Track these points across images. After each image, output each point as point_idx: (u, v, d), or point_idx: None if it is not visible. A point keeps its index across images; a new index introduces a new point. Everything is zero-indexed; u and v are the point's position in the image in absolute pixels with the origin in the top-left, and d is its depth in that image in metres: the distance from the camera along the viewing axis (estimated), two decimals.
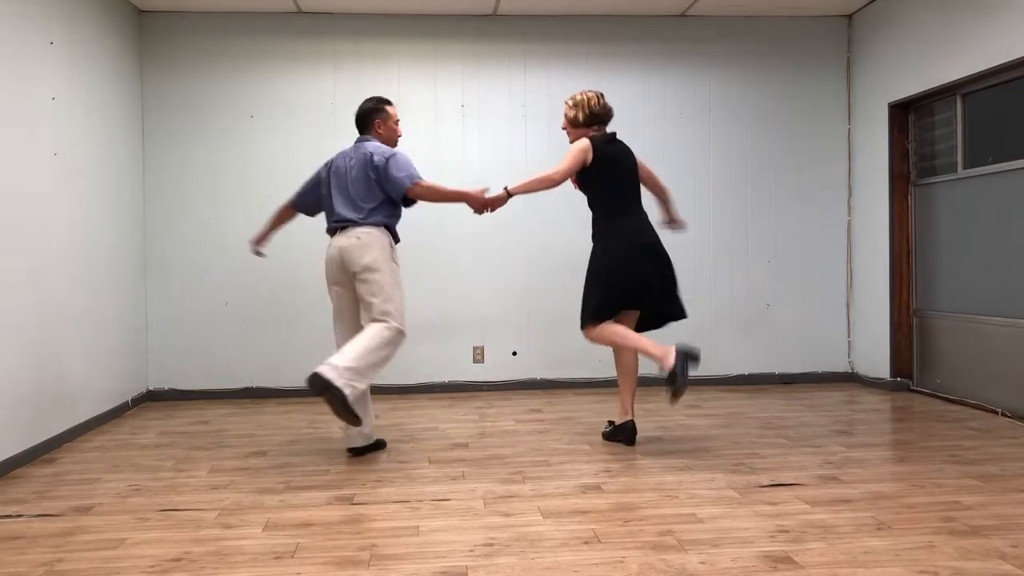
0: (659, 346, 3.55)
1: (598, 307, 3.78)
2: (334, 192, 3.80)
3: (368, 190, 3.74)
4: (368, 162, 3.74)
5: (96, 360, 4.46)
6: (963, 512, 2.80)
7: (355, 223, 3.72)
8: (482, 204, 3.81)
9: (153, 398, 5.26)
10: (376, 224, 3.72)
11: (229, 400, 5.25)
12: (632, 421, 3.89)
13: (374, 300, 3.61)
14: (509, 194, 3.81)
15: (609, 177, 3.86)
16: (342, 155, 3.87)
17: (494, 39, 5.44)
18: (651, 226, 3.89)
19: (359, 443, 3.78)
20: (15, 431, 3.61)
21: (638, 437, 3.97)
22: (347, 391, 3.33)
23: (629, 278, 3.75)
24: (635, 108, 5.49)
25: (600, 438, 4.01)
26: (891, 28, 5.15)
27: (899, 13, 5.07)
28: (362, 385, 3.45)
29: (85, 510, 2.98)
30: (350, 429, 3.74)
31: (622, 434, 3.91)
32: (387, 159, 3.73)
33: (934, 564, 2.35)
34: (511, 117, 5.46)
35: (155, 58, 5.24)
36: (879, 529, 2.65)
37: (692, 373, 3.64)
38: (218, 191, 5.30)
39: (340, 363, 3.38)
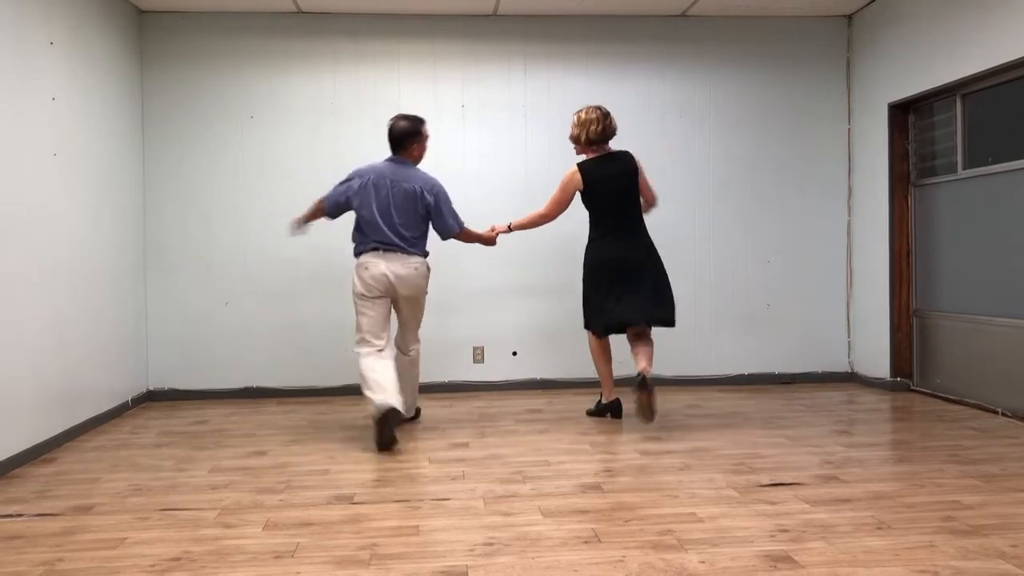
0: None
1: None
2: (376, 212, 4.04)
3: (415, 221, 4.12)
4: (418, 197, 4.07)
5: (96, 360, 4.46)
6: (963, 512, 2.80)
7: (406, 251, 4.07)
8: (493, 242, 4.53)
9: (153, 398, 5.26)
10: (424, 254, 4.17)
11: (229, 400, 5.25)
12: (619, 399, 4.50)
13: (413, 322, 4.29)
14: (511, 229, 4.49)
15: (599, 200, 4.31)
16: (379, 175, 4.11)
17: (494, 39, 5.44)
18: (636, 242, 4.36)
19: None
20: (15, 431, 3.61)
21: (638, 436, 4.00)
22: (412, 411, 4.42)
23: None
24: (635, 108, 5.49)
25: (600, 437, 4.01)
26: (891, 28, 5.15)
27: (899, 13, 5.07)
28: (414, 401, 4.41)
29: (85, 510, 2.98)
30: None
31: (610, 410, 4.48)
32: (436, 197, 4.13)
33: (934, 564, 2.35)
34: (511, 117, 5.46)
35: (155, 58, 5.24)
36: (879, 529, 2.65)
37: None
38: (218, 191, 5.30)
39: (402, 401, 4.00)
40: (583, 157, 4.40)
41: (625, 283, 4.21)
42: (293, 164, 5.33)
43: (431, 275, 4.31)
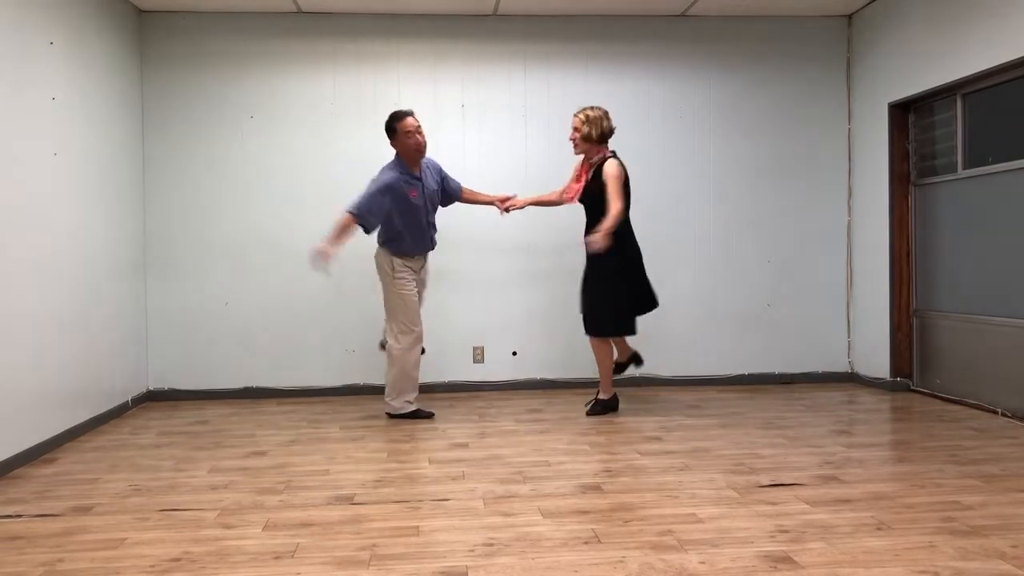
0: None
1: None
2: None
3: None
4: None
5: (96, 360, 4.46)
6: (963, 512, 2.80)
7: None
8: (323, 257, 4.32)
9: (153, 398, 5.26)
10: (381, 242, 4.43)
11: (229, 400, 5.25)
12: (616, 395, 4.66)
13: (385, 312, 4.50)
14: (601, 236, 4.09)
15: (628, 193, 4.36)
16: None
17: (494, 39, 5.43)
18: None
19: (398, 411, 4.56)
20: (15, 431, 3.61)
21: (638, 436, 4.01)
22: (405, 409, 4.51)
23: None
24: (635, 108, 5.49)
25: (600, 438, 4.02)
26: (891, 28, 5.15)
27: (899, 13, 5.07)
28: (410, 396, 4.51)
29: (85, 510, 2.98)
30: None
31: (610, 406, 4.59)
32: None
33: (934, 564, 2.35)
34: (511, 117, 5.46)
35: (155, 58, 5.24)
36: (879, 529, 2.65)
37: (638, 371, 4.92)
38: (218, 191, 5.30)
39: (387, 398, 4.54)
40: (580, 158, 4.44)
41: (640, 273, 4.45)
42: (293, 164, 5.33)
43: (419, 275, 4.53)
